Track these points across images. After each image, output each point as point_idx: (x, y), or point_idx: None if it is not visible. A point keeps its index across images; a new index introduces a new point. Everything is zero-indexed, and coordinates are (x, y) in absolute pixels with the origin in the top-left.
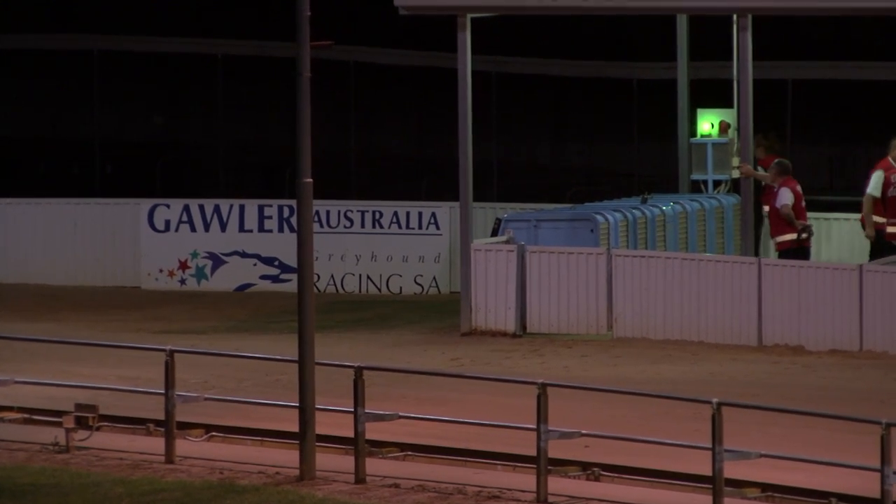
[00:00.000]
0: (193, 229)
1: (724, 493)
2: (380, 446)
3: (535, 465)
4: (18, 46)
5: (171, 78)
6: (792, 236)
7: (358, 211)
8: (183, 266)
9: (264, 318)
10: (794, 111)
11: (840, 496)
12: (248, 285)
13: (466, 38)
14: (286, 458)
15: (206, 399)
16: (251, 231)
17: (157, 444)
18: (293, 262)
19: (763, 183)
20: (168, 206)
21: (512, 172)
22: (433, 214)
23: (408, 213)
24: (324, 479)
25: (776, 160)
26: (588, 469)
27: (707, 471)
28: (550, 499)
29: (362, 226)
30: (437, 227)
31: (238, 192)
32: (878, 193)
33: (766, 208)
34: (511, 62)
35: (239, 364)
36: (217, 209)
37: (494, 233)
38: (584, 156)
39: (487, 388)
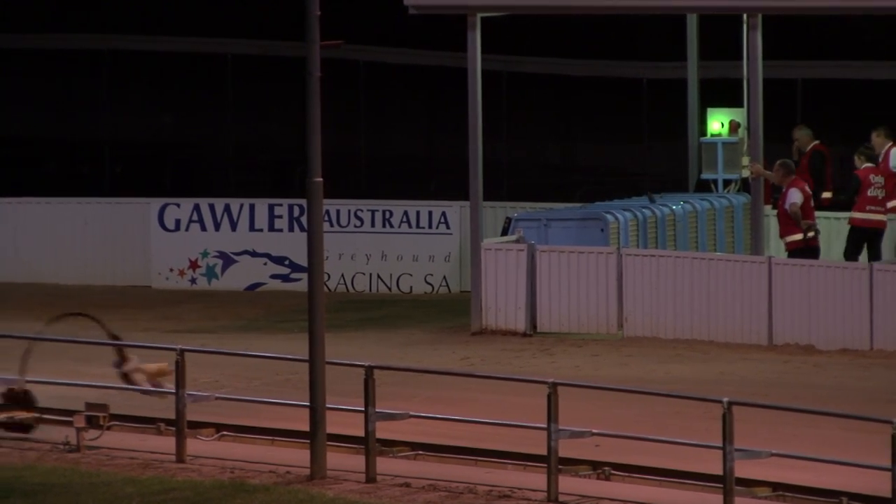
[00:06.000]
0: (204, 228)
1: (734, 492)
2: (390, 445)
3: (545, 465)
4: (28, 46)
5: (180, 77)
6: (798, 236)
7: (368, 210)
8: (193, 265)
9: (275, 317)
10: (803, 110)
11: (851, 495)
12: (259, 284)
13: (476, 38)
14: (297, 457)
15: (217, 398)
16: (261, 230)
17: (167, 443)
18: (303, 262)
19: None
20: (178, 206)
21: (522, 172)
22: (443, 214)
23: (418, 213)
24: (334, 478)
25: (781, 160)
26: (599, 468)
27: (718, 470)
28: (561, 498)
29: (372, 225)
30: (448, 227)
31: (248, 192)
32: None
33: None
34: (521, 62)
35: (249, 363)
36: (227, 208)
37: (504, 232)
38: (593, 155)
39: (498, 387)
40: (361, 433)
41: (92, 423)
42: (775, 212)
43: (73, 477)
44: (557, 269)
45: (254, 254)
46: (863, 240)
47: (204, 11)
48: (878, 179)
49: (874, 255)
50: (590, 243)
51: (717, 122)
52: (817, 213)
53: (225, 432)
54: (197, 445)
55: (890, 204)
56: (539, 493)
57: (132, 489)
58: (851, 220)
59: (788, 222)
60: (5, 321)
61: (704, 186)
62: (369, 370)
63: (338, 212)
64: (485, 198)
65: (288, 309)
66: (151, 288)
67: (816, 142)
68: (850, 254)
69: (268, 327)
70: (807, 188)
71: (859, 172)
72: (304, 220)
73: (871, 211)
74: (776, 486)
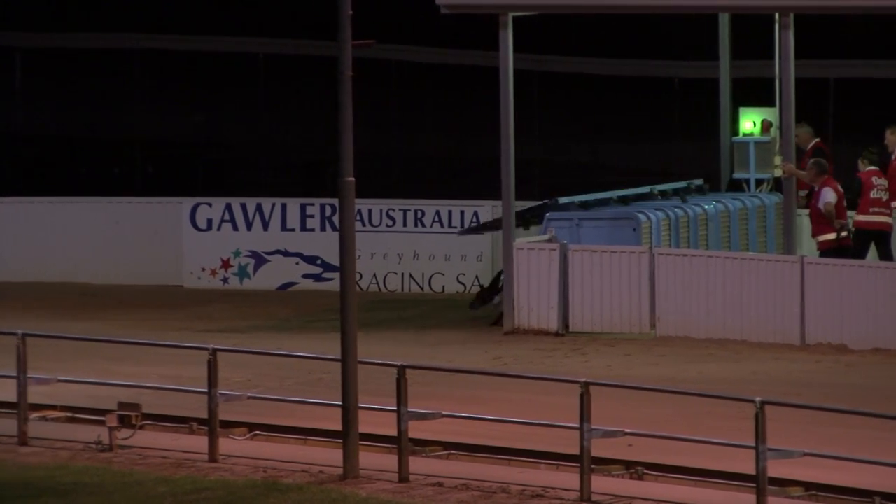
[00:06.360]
0: (236, 228)
1: (767, 491)
2: (423, 445)
3: (578, 464)
4: (59, 45)
5: (212, 76)
6: (831, 236)
7: (400, 209)
8: (225, 265)
9: (307, 316)
10: (835, 110)
11: (884, 495)
12: (291, 284)
13: (508, 37)
14: (329, 456)
15: (249, 398)
16: (293, 230)
17: (200, 442)
18: (335, 261)
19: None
20: (210, 205)
21: (553, 171)
22: (475, 213)
23: (450, 212)
24: (367, 477)
25: (813, 160)
26: (631, 468)
27: (750, 470)
28: (594, 497)
29: (404, 224)
30: None
31: (280, 191)
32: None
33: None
34: (552, 61)
35: (282, 363)
36: (259, 208)
37: (539, 210)
38: (624, 155)
39: (530, 386)
40: (394, 433)
41: (124, 422)
42: (807, 211)
43: (105, 476)
44: (590, 269)
45: (286, 253)
46: (868, 242)
47: (236, 11)
48: (881, 182)
49: (884, 257)
50: (622, 243)
51: (749, 122)
52: None
53: (257, 432)
54: (229, 445)
55: (894, 204)
56: (572, 493)
57: (165, 488)
58: (855, 223)
59: (821, 221)
60: (38, 320)
61: (737, 186)
62: (401, 370)
63: (370, 211)
64: (516, 197)
65: (320, 308)
66: (183, 287)
67: (817, 139)
68: (856, 256)
69: (300, 327)
70: (839, 187)
71: (861, 175)
72: (336, 219)
73: (874, 213)
74: (809, 486)
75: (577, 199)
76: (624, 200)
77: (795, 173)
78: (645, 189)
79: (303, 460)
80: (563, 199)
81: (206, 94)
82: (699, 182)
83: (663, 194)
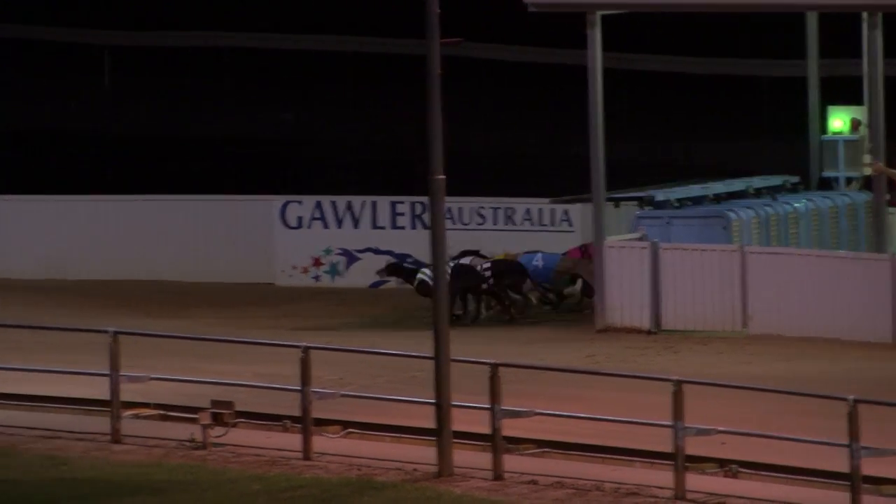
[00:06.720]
0: (326, 226)
1: (862, 490)
2: (517, 443)
3: (672, 462)
4: (147, 44)
5: (301, 75)
6: None
7: (490, 208)
8: (316, 263)
9: (399, 314)
10: None
11: None
12: (383, 282)
13: (596, 36)
14: (423, 454)
15: (343, 396)
16: (384, 228)
17: (293, 440)
18: (426, 259)
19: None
20: (300, 203)
21: (642, 170)
22: (565, 211)
23: (540, 210)
24: (461, 475)
25: None
26: (725, 466)
27: (845, 468)
28: (688, 495)
29: (495, 223)
30: (570, 224)
31: (369, 189)
32: None
33: None
34: (640, 59)
35: (374, 361)
36: (349, 206)
37: (634, 198)
38: (712, 153)
39: (623, 384)
40: (487, 430)
41: (217, 420)
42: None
43: (199, 474)
44: (681, 267)
45: (377, 251)
46: None
47: (324, 10)
48: None
49: None
50: (712, 241)
51: (838, 120)
52: None
53: (351, 429)
54: (323, 442)
55: None
56: (666, 491)
57: (259, 486)
58: None
59: None
60: (129, 318)
61: (826, 184)
62: (494, 367)
63: (460, 209)
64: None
65: (412, 306)
66: (275, 285)
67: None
68: None
69: (392, 325)
70: None
71: None
72: (426, 217)
73: None
74: None
75: (673, 195)
76: (718, 198)
77: (885, 171)
78: (741, 186)
79: (397, 458)
80: (659, 196)
81: (296, 93)
82: (795, 179)
83: (758, 191)
